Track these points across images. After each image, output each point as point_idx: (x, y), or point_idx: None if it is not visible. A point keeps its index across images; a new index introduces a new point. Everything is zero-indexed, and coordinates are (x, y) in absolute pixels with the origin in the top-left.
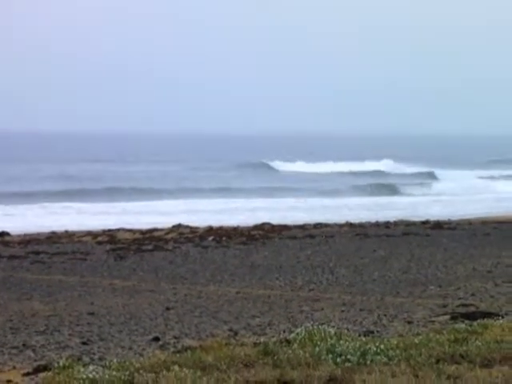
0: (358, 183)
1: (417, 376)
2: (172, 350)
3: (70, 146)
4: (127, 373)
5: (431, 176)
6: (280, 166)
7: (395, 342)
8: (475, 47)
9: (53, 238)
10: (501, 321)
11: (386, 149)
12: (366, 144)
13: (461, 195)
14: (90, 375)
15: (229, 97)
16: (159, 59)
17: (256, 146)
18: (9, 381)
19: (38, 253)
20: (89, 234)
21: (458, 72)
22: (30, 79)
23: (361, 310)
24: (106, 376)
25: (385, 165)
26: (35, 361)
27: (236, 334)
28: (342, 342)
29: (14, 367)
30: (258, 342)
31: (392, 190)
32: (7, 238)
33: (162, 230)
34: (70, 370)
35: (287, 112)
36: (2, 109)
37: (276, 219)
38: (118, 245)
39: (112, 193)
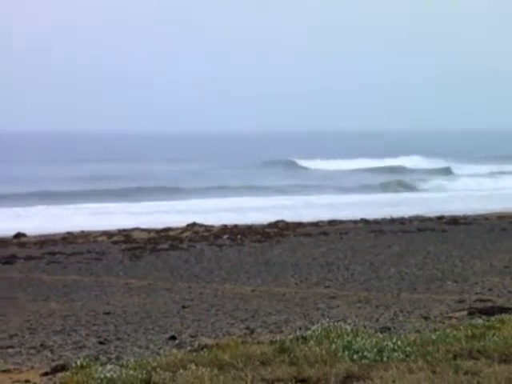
0: (378, 180)
1: (434, 372)
2: (188, 348)
3: (82, 146)
4: (144, 372)
5: (448, 171)
6: (307, 163)
7: (412, 339)
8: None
9: (68, 238)
10: None
11: (414, 145)
12: (394, 140)
13: (477, 190)
14: (108, 374)
15: (243, 96)
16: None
17: (277, 144)
18: (27, 381)
19: (53, 253)
20: (104, 233)
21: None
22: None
23: (377, 306)
24: (124, 375)
25: (411, 161)
26: (53, 361)
27: (252, 332)
28: (358, 338)
29: (32, 367)
30: (274, 339)
31: (408, 186)
32: (23, 239)
33: (176, 229)
34: (88, 369)
35: (307, 109)
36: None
37: (294, 217)
38: (133, 244)
39: (136, 192)
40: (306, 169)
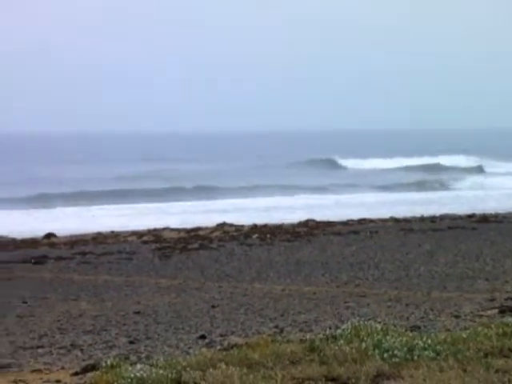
0: (414, 178)
1: (465, 371)
2: (218, 347)
3: (107, 147)
4: (174, 371)
5: (479, 170)
6: (346, 162)
7: (442, 337)
8: None
9: (98, 238)
10: None
11: (449, 144)
12: (429, 139)
13: (509, 189)
14: (138, 374)
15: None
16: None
17: (316, 142)
18: (58, 381)
19: (84, 253)
20: (134, 233)
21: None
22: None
23: (407, 305)
24: (154, 374)
25: (450, 159)
26: (83, 360)
27: (282, 331)
28: (388, 337)
29: (63, 367)
30: (304, 338)
31: (442, 184)
32: (53, 240)
33: (206, 228)
34: (118, 369)
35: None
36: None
37: (326, 216)
38: (163, 244)
39: (171, 192)
40: (344, 168)
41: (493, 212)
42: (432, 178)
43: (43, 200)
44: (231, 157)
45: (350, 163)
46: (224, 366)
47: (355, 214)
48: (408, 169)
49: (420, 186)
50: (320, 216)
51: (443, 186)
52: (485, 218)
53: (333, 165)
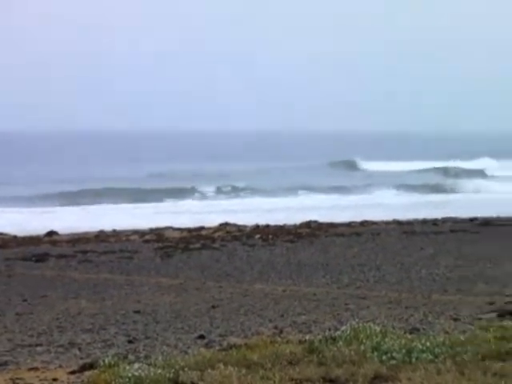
0: (423, 181)
1: (463, 373)
2: (217, 347)
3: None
4: (172, 371)
5: (482, 174)
6: (367, 165)
7: (441, 340)
8: None
9: (100, 236)
10: None
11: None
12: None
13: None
14: (136, 373)
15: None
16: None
17: (337, 144)
18: (55, 379)
19: (85, 252)
20: (136, 232)
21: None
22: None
23: (407, 307)
24: (151, 374)
25: (483, 163)
26: (81, 359)
27: (281, 331)
28: (387, 339)
29: (61, 365)
30: (303, 339)
31: (445, 188)
32: (55, 237)
33: (209, 228)
34: (116, 368)
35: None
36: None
37: (330, 217)
38: (165, 243)
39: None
40: (364, 170)
41: (495, 215)
42: (438, 183)
43: (45, 198)
44: (247, 157)
45: (370, 166)
46: (222, 367)
47: (362, 216)
48: (427, 171)
49: (427, 188)
50: (324, 217)
51: (447, 190)
52: (487, 222)
53: (353, 167)
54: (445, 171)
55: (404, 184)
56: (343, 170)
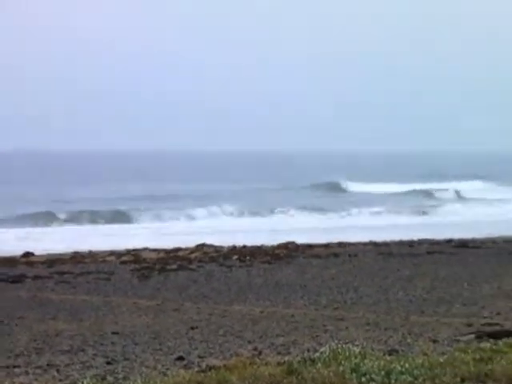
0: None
1: None
2: (196, 369)
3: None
4: None
5: (457, 194)
6: (352, 186)
7: (420, 361)
8: None
9: (76, 257)
10: None
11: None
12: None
13: (484, 215)
14: None
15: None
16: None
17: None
18: None
19: (62, 273)
20: (112, 253)
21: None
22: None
23: (385, 328)
24: None
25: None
26: (60, 380)
27: (260, 353)
28: (366, 361)
29: None
30: (282, 361)
31: (420, 209)
32: (31, 258)
33: (186, 249)
34: None
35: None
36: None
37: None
38: (142, 264)
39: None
40: (347, 192)
41: (470, 237)
42: (417, 204)
43: (21, 220)
44: (227, 178)
45: (355, 187)
46: None
47: (338, 238)
48: (412, 194)
49: (406, 211)
50: (302, 239)
51: (424, 213)
52: (463, 243)
53: (336, 188)
54: (425, 193)
55: (383, 206)
56: (326, 191)
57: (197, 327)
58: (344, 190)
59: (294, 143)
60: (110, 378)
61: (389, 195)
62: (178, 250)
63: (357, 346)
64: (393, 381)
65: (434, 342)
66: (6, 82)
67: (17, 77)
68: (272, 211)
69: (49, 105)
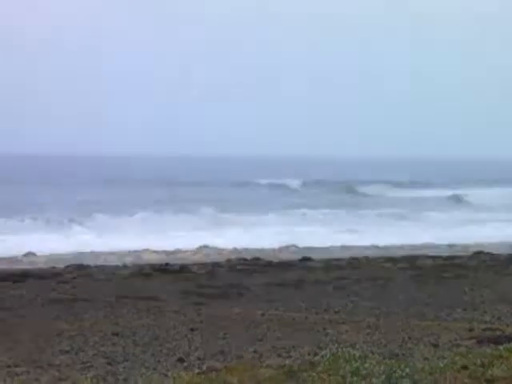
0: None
1: None
2: (196, 371)
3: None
4: None
5: (459, 198)
6: (366, 189)
7: (420, 366)
8: None
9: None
10: None
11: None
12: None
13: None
14: None
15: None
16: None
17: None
18: None
19: (64, 274)
20: (113, 254)
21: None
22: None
23: (386, 332)
24: None
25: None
26: (60, 380)
27: (261, 356)
28: (366, 364)
29: None
30: (282, 364)
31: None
32: (33, 258)
33: (187, 251)
34: None
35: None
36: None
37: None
38: (145, 265)
39: None
40: (360, 194)
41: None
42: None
43: (22, 220)
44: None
45: (366, 190)
46: None
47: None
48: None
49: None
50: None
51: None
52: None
53: (351, 191)
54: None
55: (392, 208)
56: (339, 194)
57: (197, 329)
58: (358, 193)
59: None
60: (110, 379)
61: (401, 198)
62: (179, 251)
63: (357, 349)
64: None
65: (435, 346)
66: None
67: None
68: (275, 212)
69: None
